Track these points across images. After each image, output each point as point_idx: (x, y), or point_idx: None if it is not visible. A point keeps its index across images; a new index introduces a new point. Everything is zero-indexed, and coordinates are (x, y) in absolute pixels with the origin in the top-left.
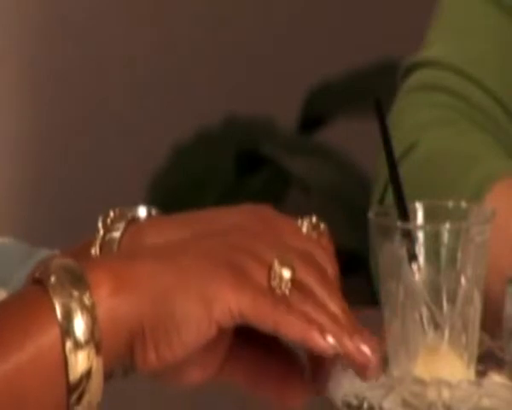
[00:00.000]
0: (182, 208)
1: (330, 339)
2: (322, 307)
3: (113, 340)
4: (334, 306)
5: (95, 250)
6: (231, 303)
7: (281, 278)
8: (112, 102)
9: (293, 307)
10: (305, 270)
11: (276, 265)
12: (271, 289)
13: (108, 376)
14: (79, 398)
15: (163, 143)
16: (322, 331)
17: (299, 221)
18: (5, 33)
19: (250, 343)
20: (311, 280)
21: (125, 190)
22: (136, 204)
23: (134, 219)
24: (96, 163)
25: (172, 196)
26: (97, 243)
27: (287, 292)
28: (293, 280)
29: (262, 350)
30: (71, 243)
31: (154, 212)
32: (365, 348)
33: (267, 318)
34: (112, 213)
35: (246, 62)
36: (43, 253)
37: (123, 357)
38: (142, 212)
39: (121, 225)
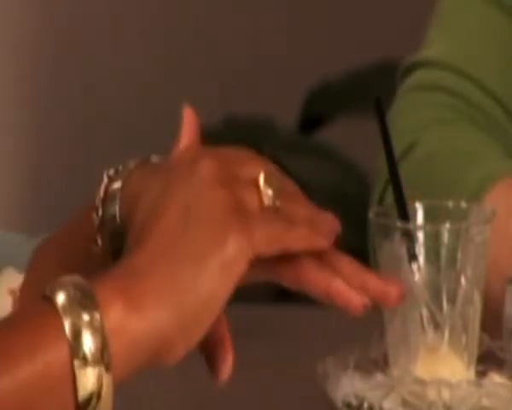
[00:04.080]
0: None
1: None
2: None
3: (130, 358)
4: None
5: (98, 199)
6: (248, 252)
7: (269, 192)
8: (112, 102)
9: (291, 220)
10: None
11: (262, 183)
12: (266, 208)
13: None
14: None
15: (163, 143)
16: (321, 230)
17: None
18: (5, 33)
19: None
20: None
21: None
22: None
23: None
24: (96, 163)
25: None
26: (101, 192)
27: (278, 203)
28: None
29: None
30: None
31: (155, 159)
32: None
33: (276, 246)
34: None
35: (246, 62)
36: (44, 235)
37: (146, 366)
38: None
39: (125, 173)
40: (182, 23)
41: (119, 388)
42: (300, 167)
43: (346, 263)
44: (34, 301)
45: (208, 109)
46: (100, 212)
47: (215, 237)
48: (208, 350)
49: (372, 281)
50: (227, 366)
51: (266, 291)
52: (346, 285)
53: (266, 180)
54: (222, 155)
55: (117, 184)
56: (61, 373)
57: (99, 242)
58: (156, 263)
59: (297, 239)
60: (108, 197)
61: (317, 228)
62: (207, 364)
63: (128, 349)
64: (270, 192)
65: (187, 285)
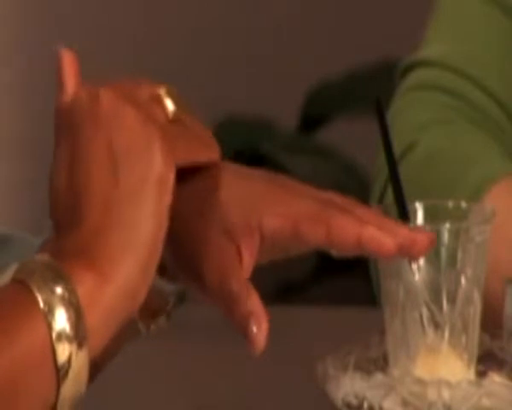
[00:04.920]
0: None
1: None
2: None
3: (106, 327)
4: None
5: None
6: (173, 162)
7: (172, 105)
8: None
9: (195, 133)
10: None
11: (165, 97)
12: (173, 120)
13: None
14: (66, 387)
15: None
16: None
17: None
18: (5, 33)
19: None
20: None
21: None
22: None
23: None
24: None
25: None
26: None
27: (182, 116)
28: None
29: None
30: None
31: None
32: None
33: (191, 157)
34: None
35: (246, 62)
36: (44, 235)
37: (119, 329)
38: None
39: None
40: (182, 23)
41: (113, 390)
42: (300, 167)
43: (373, 215)
44: (7, 285)
45: (208, 109)
46: None
47: (142, 159)
48: (240, 324)
49: (400, 229)
50: (261, 334)
51: (266, 291)
52: (377, 230)
53: (168, 94)
54: (115, 83)
55: None
56: (41, 349)
57: None
58: (105, 224)
59: (204, 150)
60: None
61: (212, 138)
62: (242, 335)
63: (103, 319)
64: (173, 106)
65: (136, 227)
